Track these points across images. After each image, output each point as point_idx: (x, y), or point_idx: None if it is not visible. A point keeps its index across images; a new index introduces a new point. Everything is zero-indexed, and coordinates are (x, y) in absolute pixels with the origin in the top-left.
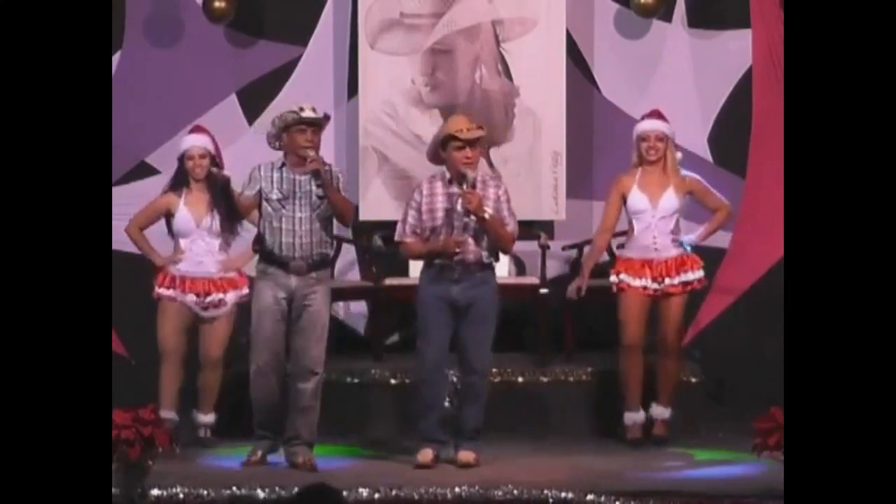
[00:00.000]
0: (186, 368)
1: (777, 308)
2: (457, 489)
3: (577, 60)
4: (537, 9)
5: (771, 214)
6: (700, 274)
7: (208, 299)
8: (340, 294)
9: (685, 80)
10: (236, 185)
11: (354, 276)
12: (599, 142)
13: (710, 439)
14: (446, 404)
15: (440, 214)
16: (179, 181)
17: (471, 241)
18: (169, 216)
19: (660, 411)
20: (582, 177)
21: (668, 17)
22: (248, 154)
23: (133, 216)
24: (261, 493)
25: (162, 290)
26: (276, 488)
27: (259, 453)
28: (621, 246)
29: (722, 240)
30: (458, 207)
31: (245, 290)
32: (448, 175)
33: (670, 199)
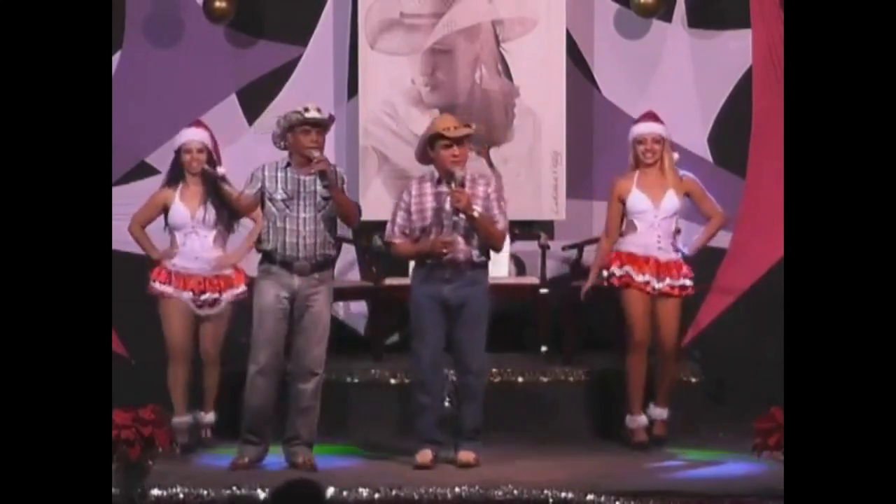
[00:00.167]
0: (193, 368)
1: (777, 308)
2: (457, 489)
3: (577, 60)
4: (537, 9)
5: (771, 214)
6: (691, 282)
7: (203, 297)
8: (340, 294)
9: (685, 80)
10: (237, 185)
11: (354, 276)
12: (599, 142)
13: (710, 439)
14: (446, 404)
15: (430, 214)
16: (175, 175)
17: (461, 240)
18: (165, 210)
19: (658, 412)
20: (582, 177)
21: (668, 17)
22: (248, 154)
23: (134, 215)
24: (261, 493)
25: (158, 285)
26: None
27: (246, 459)
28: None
29: (722, 240)
30: (448, 207)
31: (241, 289)
32: (437, 174)
33: (671, 200)
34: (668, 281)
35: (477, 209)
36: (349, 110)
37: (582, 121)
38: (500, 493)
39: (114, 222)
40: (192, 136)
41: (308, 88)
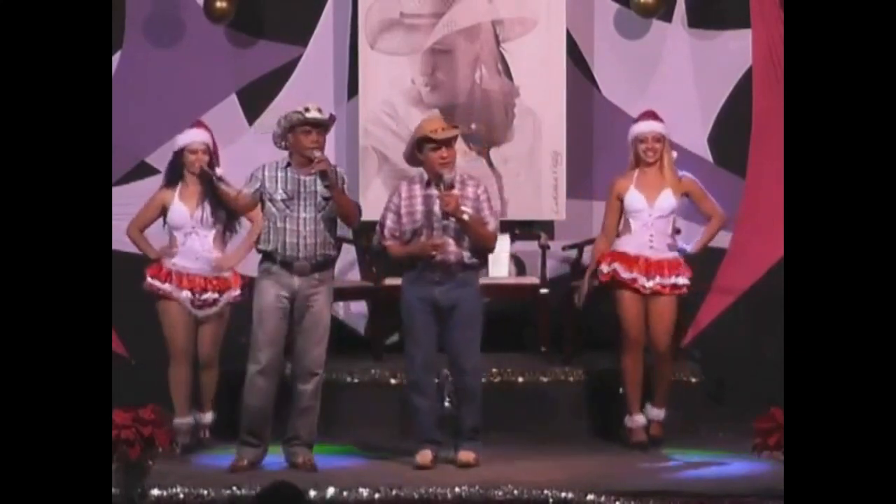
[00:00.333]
0: (193, 369)
1: (777, 308)
2: (457, 489)
3: (577, 60)
4: (537, 9)
5: (771, 214)
6: (687, 280)
7: (203, 297)
8: (340, 294)
9: (685, 80)
10: (237, 185)
11: (354, 276)
12: (599, 142)
13: (710, 439)
14: (446, 405)
15: (420, 216)
16: (175, 175)
17: (451, 241)
18: (164, 210)
19: (655, 412)
20: (582, 177)
21: (668, 17)
22: (248, 154)
23: (133, 218)
24: None
25: (156, 283)
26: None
27: (245, 461)
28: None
29: (722, 240)
30: (437, 210)
31: (237, 291)
32: (426, 176)
33: (667, 199)
34: (658, 279)
35: (467, 211)
36: (349, 110)
37: (582, 121)
38: (500, 493)
39: (114, 222)
40: (195, 136)
41: (308, 88)
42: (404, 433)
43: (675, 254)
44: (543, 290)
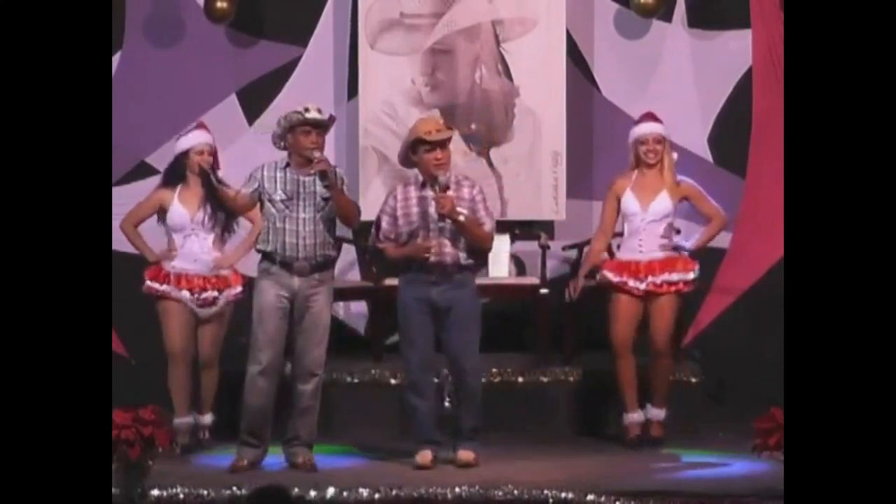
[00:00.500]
0: (193, 369)
1: (777, 308)
2: (457, 489)
3: (577, 60)
4: (537, 9)
5: (771, 214)
6: (688, 276)
7: (203, 296)
8: (340, 294)
9: (685, 81)
10: (236, 185)
11: (354, 276)
12: (599, 142)
13: (710, 439)
14: (446, 405)
15: (416, 218)
16: (175, 176)
17: (448, 242)
18: (162, 211)
19: (654, 412)
20: (582, 177)
21: (668, 17)
22: (248, 154)
23: (127, 213)
24: None
25: (155, 285)
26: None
27: (245, 461)
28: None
29: (722, 240)
30: (433, 212)
31: (238, 289)
32: (421, 178)
33: (662, 203)
34: (650, 279)
35: (462, 213)
36: (349, 110)
37: (582, 121)
38: (500, 493)
39: (114, 222)
40: (201, 138)
41: (308, 88)
42: (404, 433)
43: (669, 252)
44: (543, 290)
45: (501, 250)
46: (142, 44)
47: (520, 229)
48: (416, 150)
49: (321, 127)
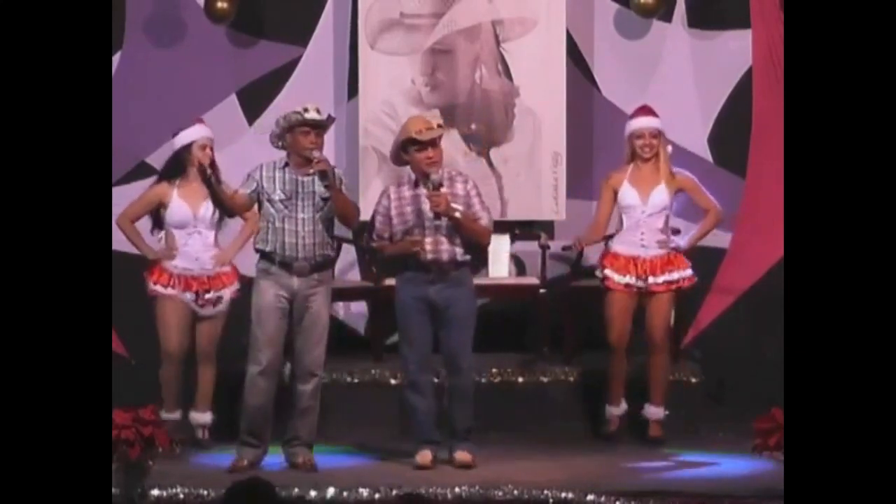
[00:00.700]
0: (187, 368)
1: (777, 308)
2: (457, 489)
3: (577, 60)
4: (537, 9)
5: (771, 214)
6: (687, 273)
7: (207, 296)
8: (340, 294)
9: (685, 80)
10: (235, 185)
11: (354, 276)
12: (599, 142)
13: (710, 439)
14: (446, 404)
15: (410, 217)
16: (175, 170)
17: (444, 240)
18: (161, 207)
19: (653, 411)
20: (582, 177)
21: (668, 17)
22: (247, 154)
23: (124, 209)
24: None
25: (159, 289)
26: (277, 489)
27: (245, 462)
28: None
29: (722, 240)
30: (427, 210)
31: (236, 286)
32: (413, 176)
33: (660, 195)
34: (650, 279)
35: (458, 209)
36: (349, 110)
37: (582, 121)
38: (500, 493)
39: (114, 222)
40: (202, 132)
41: (308, 88)
42: (404, 433)
43: (666, 251)
44: (543, 291)
45: (501, 250)
46: (142, 44)
47: (520, 229)
48: (408, 149)
49: (320, 127)
